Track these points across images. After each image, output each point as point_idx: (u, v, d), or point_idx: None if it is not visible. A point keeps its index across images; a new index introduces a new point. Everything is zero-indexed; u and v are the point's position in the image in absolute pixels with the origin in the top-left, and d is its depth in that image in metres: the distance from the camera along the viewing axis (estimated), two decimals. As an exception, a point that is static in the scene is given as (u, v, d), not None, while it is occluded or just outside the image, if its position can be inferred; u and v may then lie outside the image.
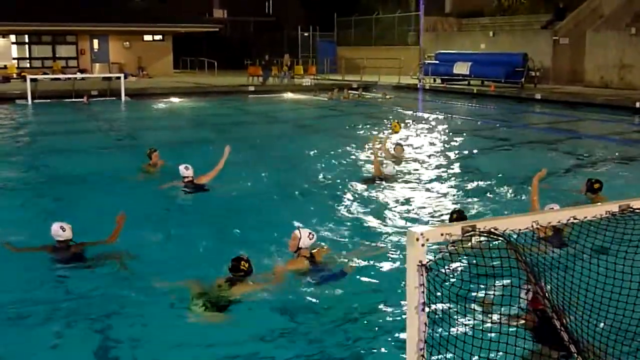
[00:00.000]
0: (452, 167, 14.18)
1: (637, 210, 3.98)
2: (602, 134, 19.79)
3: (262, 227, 9.34)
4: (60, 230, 7.87)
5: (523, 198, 10.99)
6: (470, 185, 12.32)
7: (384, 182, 12.11)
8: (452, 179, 12.95)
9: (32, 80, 27.47)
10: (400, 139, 16.93)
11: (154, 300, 6.68)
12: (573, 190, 11.27)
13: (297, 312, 6.56)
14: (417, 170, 13.75)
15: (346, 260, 7.76)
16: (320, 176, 13.10)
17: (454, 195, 11.64)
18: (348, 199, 11.11)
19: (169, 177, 11.79)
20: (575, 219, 3.79)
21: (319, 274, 7.12)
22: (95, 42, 40.84)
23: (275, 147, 17.00)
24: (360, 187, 12.06)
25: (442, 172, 13.62)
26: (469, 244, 3.42)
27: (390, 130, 15.90)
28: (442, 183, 12.58)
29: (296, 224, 8.66)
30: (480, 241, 3.37)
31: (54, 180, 13.05)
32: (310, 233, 7.34)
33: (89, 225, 8.98)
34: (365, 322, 6.34)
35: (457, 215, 8.29)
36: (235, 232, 9.14)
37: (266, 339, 6.02)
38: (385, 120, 22.52)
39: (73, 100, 27.47)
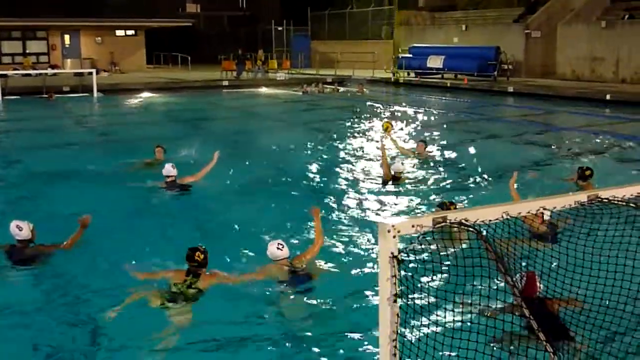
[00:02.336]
0: (428, 160, 14.16)
1: (605, 200, 4.05)
2: (575, 126, 20.05)
3: (239, 226, 9.19)
4: (17, 230, 7.57)
5: (501, 190, 11.09)
6: (448, 179, 12.38)
7: (364, 177, 12.04)
8: (430, 172, 12.97)
9: (1, 76, 27.06)
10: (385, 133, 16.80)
11: (118, 299, 6.54)
12: (564, 178, 11.39)
13: (268, 309, 6.58)
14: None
15: (326, 263, 7.66)
16: (298, 172, 13.01)
17: (432, 188, 11.66)
18: (331, 196, 11.04)
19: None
20: (544, 209, 3.84)
21: (296, 278, 7.03)
22: (67, 37, 40.31)
23: (251, 142, 16.93)
24: (342, 182, 12.06)
25: (420, 165, 13.62)
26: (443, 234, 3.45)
27: (382, 132, 15.57)
28: (419, 176, 12.58)
29: (271, 230, 8.63)
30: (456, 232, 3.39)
31: (26, 177, 12.85)
32: (279, 244, 7.15)
33: (58, 222, 8.84)
34: (341, 317, 6.34)
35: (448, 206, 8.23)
36: (213, 232, 9.03)
37: (234, 332, 6.04)
38: (363, 115, 22.61)
39: (43, 96, 27.09)
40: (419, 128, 19.32)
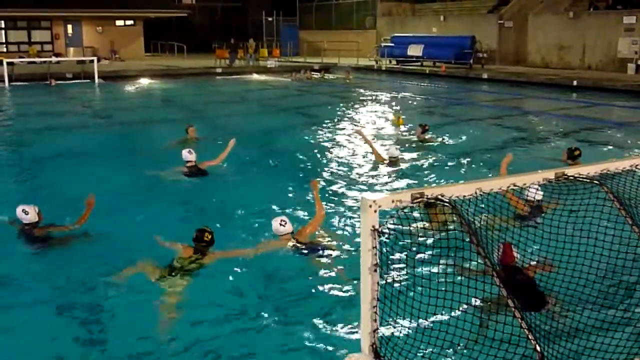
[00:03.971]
0: (409, 142, 14.09)
1: (572, 178, 4.07)
2: (544, 110, 20.09)
3: (244, 205, 9.03)
4: (23, 214, 7.33)
5: (484, 169, 11.11)
6: (437, 160, 12.27)
7: (363, 162, 11.93)
8: (411, 153, 12.83)
9: (8, 64, 26.69)
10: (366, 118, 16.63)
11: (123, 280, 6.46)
12: (554, 158, 11.39)
13: (266, 281, 6.54)
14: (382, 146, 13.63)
15: (328, 237, 7.59)
16: (295, 153, 12.88)
17: (423, 169, 11.54)
18: (328, 175, 11.01)
19: (206, 151, 11.32)
20: (515, 185, 3.85)
21: (299, 251, 7.01)
22: (69, 27, 39.80)
23: (246, 125, 16.68)
24: (338, 164, 11.98)
25: (414, 148, 13.41)
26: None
27: (392, 123, 14.92)
28: (412, 158, 12.39)
29: (275, 209, 8.61)
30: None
31: (35, 159, 12.61)
32: (282, 220, 7.13)
33: (74, 203, 8.66)
34: (331, 289, 6.31)
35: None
36: (220, 212, 8.89)
37: (232, 304, 6.02)
38: (351, 99, 22.54)
39: (47, 82, 26.79)
40: (401, 112, 19.28)
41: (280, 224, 7.09)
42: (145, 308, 5.90)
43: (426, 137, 13.98)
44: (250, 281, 6.53)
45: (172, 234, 7.46)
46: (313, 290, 6.28)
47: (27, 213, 7.37)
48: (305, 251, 7.03)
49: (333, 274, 6.67)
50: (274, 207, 8.81)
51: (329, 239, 7.60)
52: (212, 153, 11.17)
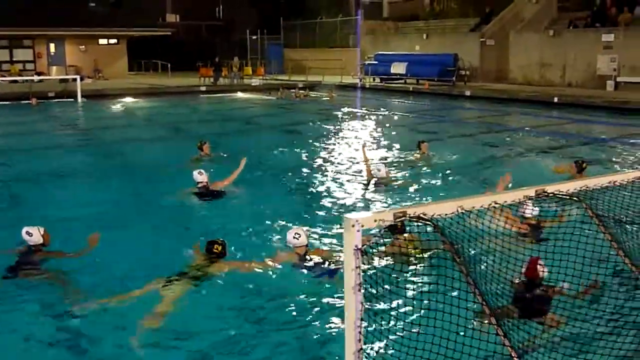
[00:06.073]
0: (395, 160, 14.15)
1: (551, 194, 4.12)
2: (525, 126, 20.30)
3: (249, 224, 8.97)
4: (27, 236, 7.13)
5: (467, 185, 11.17)
6: (425, 178, 12.27)
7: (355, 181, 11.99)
8: (396, 170, 12.84)
9: (-10, 83, 26.57)
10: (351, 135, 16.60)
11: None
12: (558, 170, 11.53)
13: (270, 294, 6.53)
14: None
15: (340, 253, 7.44)
16: (286, 171, 12.88)
17: (411, 187, 11.47)
18: (319, 194, 11.01)
19: (220, 167, 11.35)
20: (496, 203, 3.89)
21: (306, 267, 6.96)
22: (52, 45, 39.63)
23: (232, 143, 16.58)
24: (328, 182, 12.01)
25: (388, 164, 13.44)
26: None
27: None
28: (401, 177, 12.36)
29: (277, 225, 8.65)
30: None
31: (21, 180, 12.46)
32: (296, 233, 7.10)
33: (77, 224, 8.58)
34: (321, 307, 6.28)
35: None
36: (227, 232, 8.68)
37: (229, 314, 6.05)
38: (335, 118, 22.61)
39: (28, 101, 26.63)
40: (383, 129, 19.38)
41: (294, 237, 7.07)
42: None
43: (427, 152, 13.94)
44: (254, 293, 6.52)
45: (178, 254, 7.43)
46: (316, 306, 6.24)
47: (31, 235, 7.16)
48: (314, 266, 6.98)
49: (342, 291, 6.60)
50: (276, 223, 8.82)
51: (340, 254, 7.57)
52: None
